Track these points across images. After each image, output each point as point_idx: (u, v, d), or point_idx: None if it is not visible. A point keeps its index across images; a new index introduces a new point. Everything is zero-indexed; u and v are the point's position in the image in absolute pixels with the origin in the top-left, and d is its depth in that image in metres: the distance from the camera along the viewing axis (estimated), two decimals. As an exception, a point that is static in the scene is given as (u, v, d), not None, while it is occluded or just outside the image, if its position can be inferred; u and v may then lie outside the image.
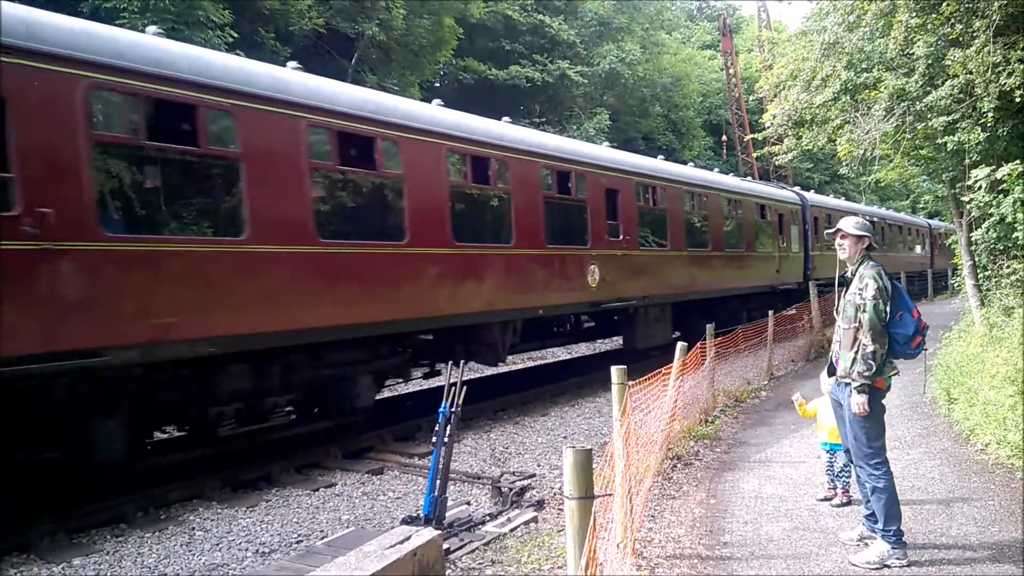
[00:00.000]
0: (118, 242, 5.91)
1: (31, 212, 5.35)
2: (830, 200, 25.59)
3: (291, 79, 7.63)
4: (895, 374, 4.52)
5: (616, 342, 15.77)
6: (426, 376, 10.49)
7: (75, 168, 5.67)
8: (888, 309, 4.41)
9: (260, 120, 6.98)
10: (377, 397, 9.12)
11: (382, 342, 8.61)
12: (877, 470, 4.49)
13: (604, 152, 13.19)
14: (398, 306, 8.26)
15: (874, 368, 4.38)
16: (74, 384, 5.91)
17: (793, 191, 22.21)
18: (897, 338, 4.42)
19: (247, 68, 7.28)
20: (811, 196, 22.27)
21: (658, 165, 14.88)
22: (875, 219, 25.43)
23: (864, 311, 4.41)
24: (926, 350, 4.60)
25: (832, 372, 4.74)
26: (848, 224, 4.68)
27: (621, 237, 12.36)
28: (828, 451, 5.83)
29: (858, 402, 4.43)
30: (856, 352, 4.45)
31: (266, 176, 6.99)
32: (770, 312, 12.97)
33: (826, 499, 5.77)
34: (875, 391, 4.46)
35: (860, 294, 4.46)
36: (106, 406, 6.18)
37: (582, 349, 17.85)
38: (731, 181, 18.14)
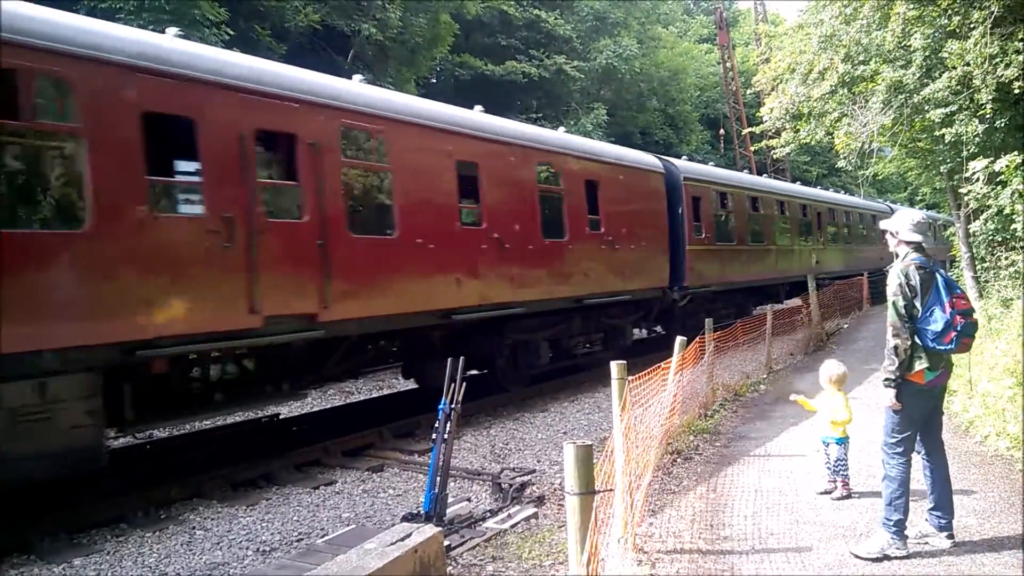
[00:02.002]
0: (716, 245, 15.70)
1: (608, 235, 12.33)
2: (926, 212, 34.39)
3: (767, 182, 21.09)
4: (926, 367, 4.40)
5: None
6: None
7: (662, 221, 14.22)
8: (918, 304, 4.39)
9: (735, 196, 17.26)
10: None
11: (750, 290, 17.97)
12: (893, 459, 4.52)
13: (813, 191, 25.33)
14: (760, 274, 18.07)
15: (896, 363, 4.39)
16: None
17: (890, 206, 31.67)
18: (925, 334, 4.37)
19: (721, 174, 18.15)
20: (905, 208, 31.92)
21: (836, 197, 26.46)
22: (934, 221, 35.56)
23: (888, 307, 4.48)
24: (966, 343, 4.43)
25: None
26: (887, 221, 4.77)
27: (823, 237, 22.81)
28: (826, 444, 5.84)
29: (886, 395, 4.48)
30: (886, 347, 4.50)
31: (754, 214, 18.09)
32: (769, 306, 13.01)
33: (826, 492, 5.77)
34: (909, 385, 4.44)
35: (888, 290, 4.52)
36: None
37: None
38: (870, 204, 29.44)
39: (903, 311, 4.40)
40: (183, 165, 7.03)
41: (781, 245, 19.57)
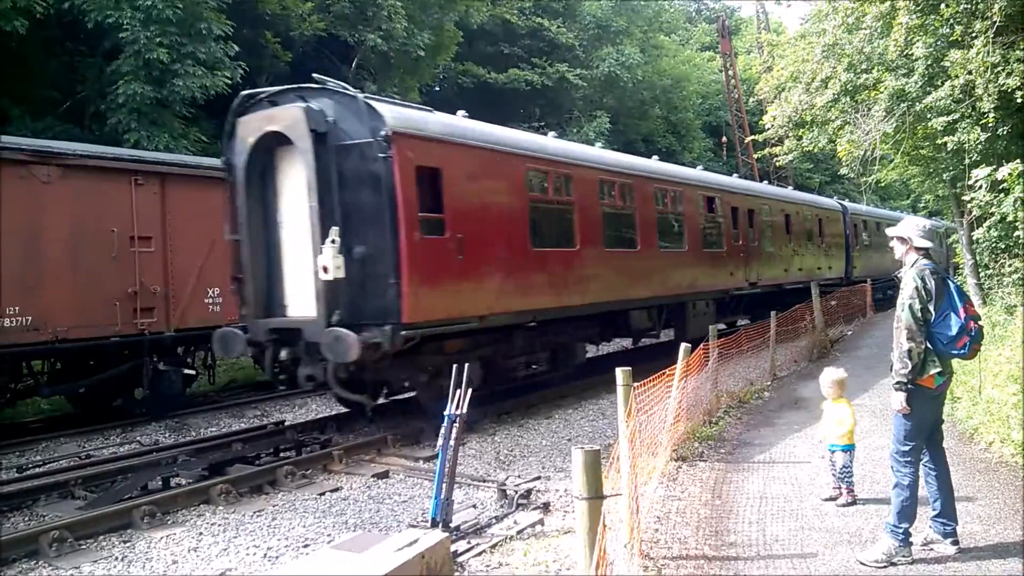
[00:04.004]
0: (863, 253, 26.60)
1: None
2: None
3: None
4: (938, 371, 4.46)
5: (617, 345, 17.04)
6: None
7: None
8: (932, 308, 4.42)
9: (868, 223, 27.83)
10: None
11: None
12: (904, 468, 4.54)
13: (902, 216, 32.76)
14: (876, 269, 26.65)
15: (910, 366, 4.40)
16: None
17: (942, 222, 37.70)
18: (940, 338, 4.42)
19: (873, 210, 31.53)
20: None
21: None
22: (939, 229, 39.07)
23: (902, 310, 4.49)
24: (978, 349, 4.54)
25: None
26: (894, 228, 4.79)
27: None
28: (832, 451, 5.86)
29: (896, 399, 4.49)
30: (897, 351, 4.50)
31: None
32: (772, 313, 13.04)
33: (831, 499, 5.79)
34: (920, 390, 4.47)
35: (902, 294, 4.54)
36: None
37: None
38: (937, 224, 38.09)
39: (919, 314, 4.42)
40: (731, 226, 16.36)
41: (888, 254, 27.16)
